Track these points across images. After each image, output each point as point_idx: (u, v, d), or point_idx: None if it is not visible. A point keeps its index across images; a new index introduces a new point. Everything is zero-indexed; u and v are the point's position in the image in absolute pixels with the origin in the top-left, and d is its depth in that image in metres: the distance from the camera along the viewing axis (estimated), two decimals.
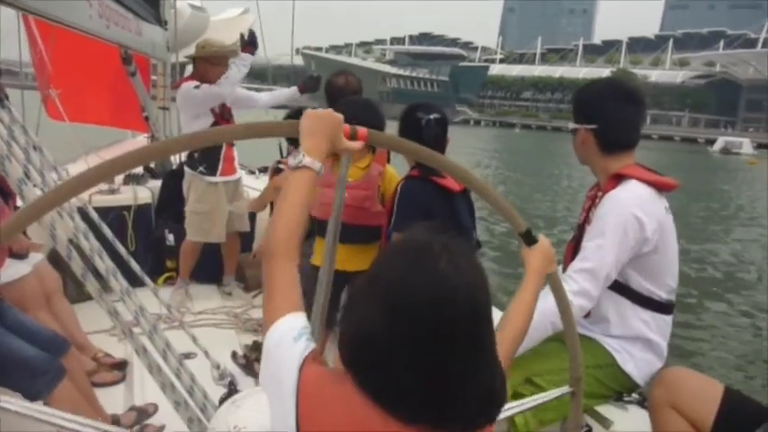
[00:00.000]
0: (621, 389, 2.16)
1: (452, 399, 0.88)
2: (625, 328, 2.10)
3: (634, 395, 2.17)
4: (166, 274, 4.39)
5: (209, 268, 4.38)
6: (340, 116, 1.23)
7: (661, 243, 2.02)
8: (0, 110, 1.76)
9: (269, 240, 1.15)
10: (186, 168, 4.10)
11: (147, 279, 2.50)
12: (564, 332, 1.54)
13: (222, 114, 4.03)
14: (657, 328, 2.12)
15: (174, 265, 4.30)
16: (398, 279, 0.89)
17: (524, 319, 1.40)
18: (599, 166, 2.15)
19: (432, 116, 2.45)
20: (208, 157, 3.99)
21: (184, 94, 3.93)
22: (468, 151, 33.48)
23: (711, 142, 65.02)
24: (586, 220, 2.14)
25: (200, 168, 4.01)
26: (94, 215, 1.99)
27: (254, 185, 4.78)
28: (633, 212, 1.97)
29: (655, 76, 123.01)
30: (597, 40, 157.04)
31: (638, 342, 2.11)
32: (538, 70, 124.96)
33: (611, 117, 2.09)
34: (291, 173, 1.20)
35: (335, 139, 1.23)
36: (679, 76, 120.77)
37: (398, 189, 2.48)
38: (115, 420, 2.63)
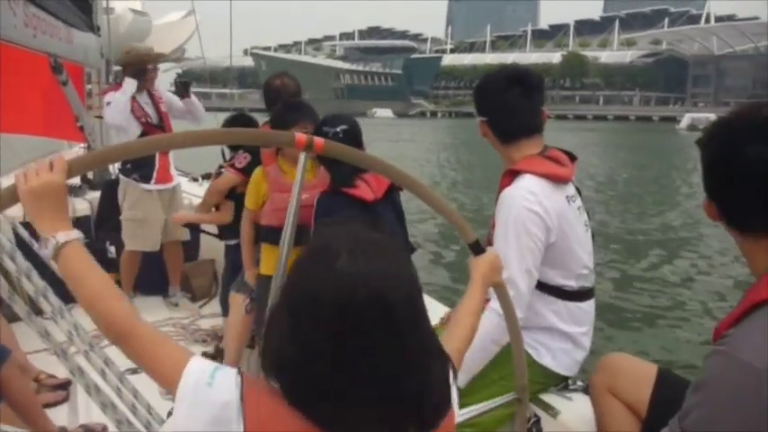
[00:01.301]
0: (548, 383, 2.17)
1: (373, 402, 0.87)
2: (537, 320, 2.07)
3: (579, 383, 2.20)
4: None
5: (154, 279, 4.30)
6: (58, 178, 1.07)
7: (561, 233, 2.00)
8: None
9: (109, 329, 1.02)
10: (121, 176, 4.04)
11: None
12: (510, 341, 1.57)
13: (156, 124, 4.00)
14: (571, 316, 2.10)
15: (117, 277, 4.19)
16: (299, 284, 0.89)
17: (471, 323, 1.39)
18: (504, 155, 2.14)
19: (338, 128, 2.44)
20: (142, 165, 3.94)
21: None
22: (428, 147, 33.21)
23: (666, 119, 66.74)
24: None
25: (134, 176, 3.97)
26: (24, 233, 1.92)
27: (197, 193, 4.70)
28: (528, 207, 1.94)
29: (604, 57, 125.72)
30: (544, 24, 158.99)
31: (552, 333, 2.10)
32: (489, 58, 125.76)
33: (498, 106, 2.09)
34: (57, 261, 1.06)
35: (63, 204, 1.09)
36: (627, 56, 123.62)
37: (314, 204, 2.45)
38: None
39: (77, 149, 5.61)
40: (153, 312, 4.09)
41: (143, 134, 3.89)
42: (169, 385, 0.96)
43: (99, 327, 1.03)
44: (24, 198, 1.05)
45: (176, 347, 1.02)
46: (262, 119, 3.50)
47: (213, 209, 3.58)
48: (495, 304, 1.92)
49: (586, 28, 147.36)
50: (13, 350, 3.04)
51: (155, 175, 3.98)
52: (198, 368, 0.96)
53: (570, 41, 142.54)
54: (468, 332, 1.37)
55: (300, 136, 1.20)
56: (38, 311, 1.78)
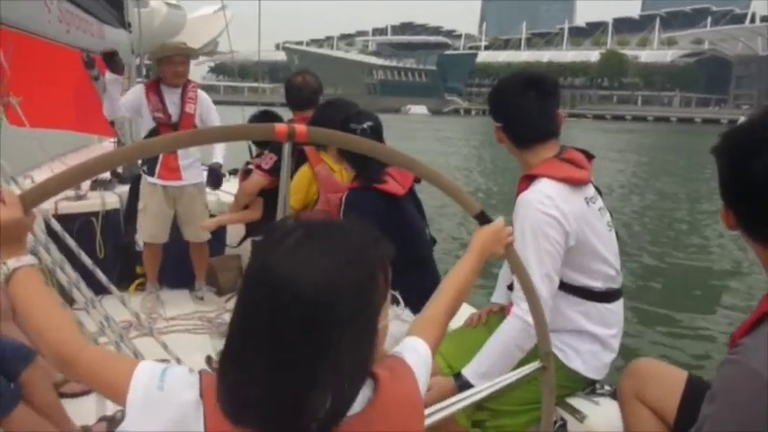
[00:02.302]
0: (576, 387, 2.13)
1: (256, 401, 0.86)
2: (564, 323, 2.04)
3: (606, 387, 2.16)
4: (138, 281, 4.34)
5: (181, 273, 4.34)
6: (12, 213, 1.05)
7: (582, 236, 1.97)
8: None
9: (55, 357, 1.01)
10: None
11: (112, 287, 2.46)
12: (530, 309, 1.52)
13: (172, 122, 3.96)
14: (600, 318, 2.07)
15: (144, 270, 4.25)
16: (247, 270, 0.91)
17: (460, 283, 1.34)
18: (520, 160, 2.12)
19: (365, 125, 2.45)
20: (149, 159, 3.98)
21: None
22: (473, 144, 32.65)
23: (709, 122, 64.69)
24: None
25: (144, 168, 4.05)
26: (57, 226, 1.94)
27: (224, 188, 4.72)
28: (546, 212, 1.92)
29: (644, 56, 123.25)
30: (581, 22, 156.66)
31: (580, 335, 2.07)
32: (524, 56, 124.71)
33: (512, 112, 2.07)
34: (9, 287, 1.06)
35: (18, 233, 1.08)
36: (668, 56, 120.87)
37: (342, 201, 2.45)
38: (86, 431, 2.59)
39: (107, 144, 5.74)
40: (179, 306, 4.13)
41: (154, 130, 3.91)
42: (121, 397, 0.94)
43: (47, 356, 1.05)
44: None
45: (124, 360, 1.03)
46: (290, 115, 3.49)
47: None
48: (518, 310, 1.91)
49: (625, 26, 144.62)
50: None
51: (157, 170, 3.99)
52: (145, 374, 0.94)
53: (608, 40, 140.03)
54: (450, 302, 1.31)
55: (280, 126, 1.17)
56: (70, 302, 1.80)
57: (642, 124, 77.03)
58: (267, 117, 3.68)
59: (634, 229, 11.51)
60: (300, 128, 1.19)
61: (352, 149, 1.50)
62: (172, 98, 3.96)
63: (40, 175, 3.71)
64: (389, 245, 0.96)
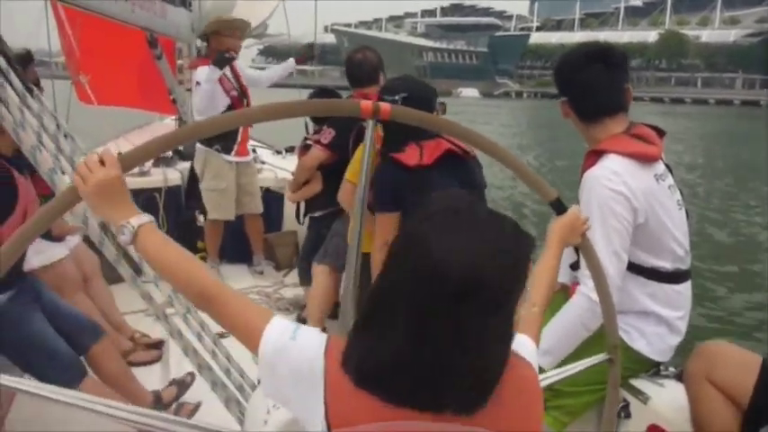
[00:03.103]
0: (640, 369, 2.09)
1: (432, 379, 0.86)
2: (630, 304, 2.00)
3: (671, 369, 2.12)
4: (198, 255, 4.44)
5: (239, 248, 4.44)
6: (113, 172, 1.09)
7: (651, 213, 1.92)
8: (30, 99, 1.76)
9: (197, 292, 1.06)
10: (199, 146, 4.13)
11: None
12: (599, 299, 1.51)
13: (239, 96, 4.09)
14: (667, 299, 2.02)
15: (205, 245, 4.37)
16: (391, 273, 0.90)
17: (550, 278, 1.39)
18: (587, 136, 2.07)
19: (397, 96, 2.41)
20: (225, 137, 4.01)
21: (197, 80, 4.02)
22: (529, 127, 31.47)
23: None
24: None
25: (216, 146, 4.06)
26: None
27: (281, 165, 4.79)
28: (613, 188, 1.87)
29: (705, 36, 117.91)
30: (638, 1, 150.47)
31: (647, 317, 2.02)
32: (578, 36, 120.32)
33: (579, 84, 2.01)
34: (135, 243, 1.10)
35: (125, 194, 1.13)
36: (731, 35, 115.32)
37: (375, 170, 2.46)
38: (157, 396, 2.71)
39: (168, 121, 5.88)
40: (238, 280, 4.22)
41: (229, 108, 3.97)
42: (253, 343, 0.99)
43: (186, 292, 1.09)
44: (88, 197, 1.09)
45: (260, 308, 1.06)
46: (344, 95, 3.50)
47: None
48: (584, 288, 1.88)
49: (684, 5, 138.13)
50: (111, 312, 3.24)
51: (236, 147, 4.07)
52: (280, 323, 1.00)
53: (667, 19, 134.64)
54: (544, 300, 1.35)
55: (366, 103, 1.20)
56: (139, 273, 1.86)
57: (704, 108, 73.74)
58: (326, 95, 3.70)
59: (703, 209, 11.06)
60: (385, 106, 1.22)
61: (431, 128, 1.50)
62: (227, 73, 4.06)
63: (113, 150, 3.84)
64: (533, 238, 0.95)
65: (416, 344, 0.85)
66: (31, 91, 1.80)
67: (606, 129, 1.99)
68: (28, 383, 1.11)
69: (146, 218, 1.11)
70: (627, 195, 1.87)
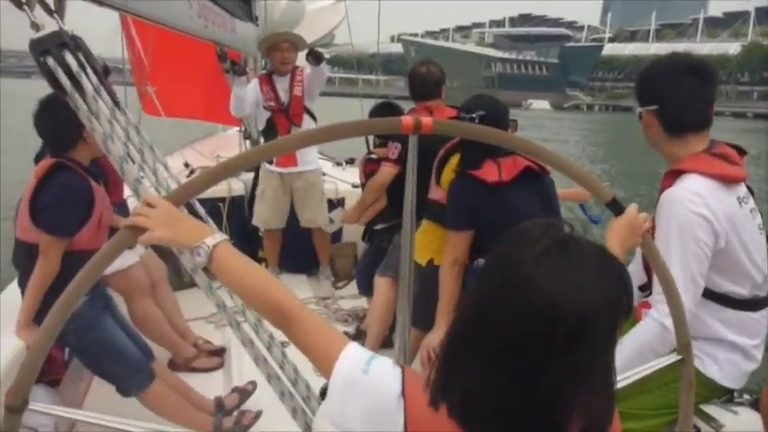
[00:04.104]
0: (712, 395, 1.99)
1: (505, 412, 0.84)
2: (702, 329, 1.90)
3: (746, 396, 2.03)
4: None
5: (301, 258, 4.47)
6: (166, 205, 1.13)
7: (731, 238, 1.82)
8: (117, 112, 1.84)
9: (277, 312, 1.07)
10: None
11: None
12: (666, 297, 1.44)
13: (283, 108, 4.17)
14: (742, 326, 1.93)
15: (264, 254, 4.45)
16: (490, 312, 0.85)
17: None
18: (666, 151, 1.97)
19: (475, 114, 2.41)
20: None
21: None
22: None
23: None
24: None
25: None
26: (201, 209, 2.07)
27: (341, 177, 4.82)
28: (695, 210, 1.78)
29: None
30: (718, 12, 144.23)
31: (720, 344, 1.93)
32: (653, 48, 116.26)
33: (671, 94, 1.91)
34: (211, 263, 1.11)
35: (186, 219, 1.17)
36: None
37: (449, 187, 2.50)
38: (219, 403, 2.77)
39: (231, 132, 6.03)
40: (297, 290, 4.20)
41: (269, 118, 4.18)
42: (326, 369, 0.99)
43: (265, 311, 1.09)
44: (159, 234, 1.10)
45: (336, 333, 1.06)
46: (407, 106, 3.48)
47: None
48: (656, 313, 1.80)
49: None
50: (176, 318, 3.32)
51: (275, 158, 4.14)
52: (356, 351, 0.99)
53: (749, 31, 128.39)
54: None
55: (407, 119, 1.20)
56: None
57: None
58: (388, 109, 3.69)
59: None
60: (426, 120, 1.21)
61: (475, 139, 1.48)
62: (282, 85, 4.18)
63: (173, 162, 3.97)
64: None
65: (530, 384, 0.82)
66: (117, 104, 1.88)
67: (688, 145, 1.91)
68: (58, 409, 1.14)
69: (219, 236, 1.13)
70: (709, 219, 1.78)
